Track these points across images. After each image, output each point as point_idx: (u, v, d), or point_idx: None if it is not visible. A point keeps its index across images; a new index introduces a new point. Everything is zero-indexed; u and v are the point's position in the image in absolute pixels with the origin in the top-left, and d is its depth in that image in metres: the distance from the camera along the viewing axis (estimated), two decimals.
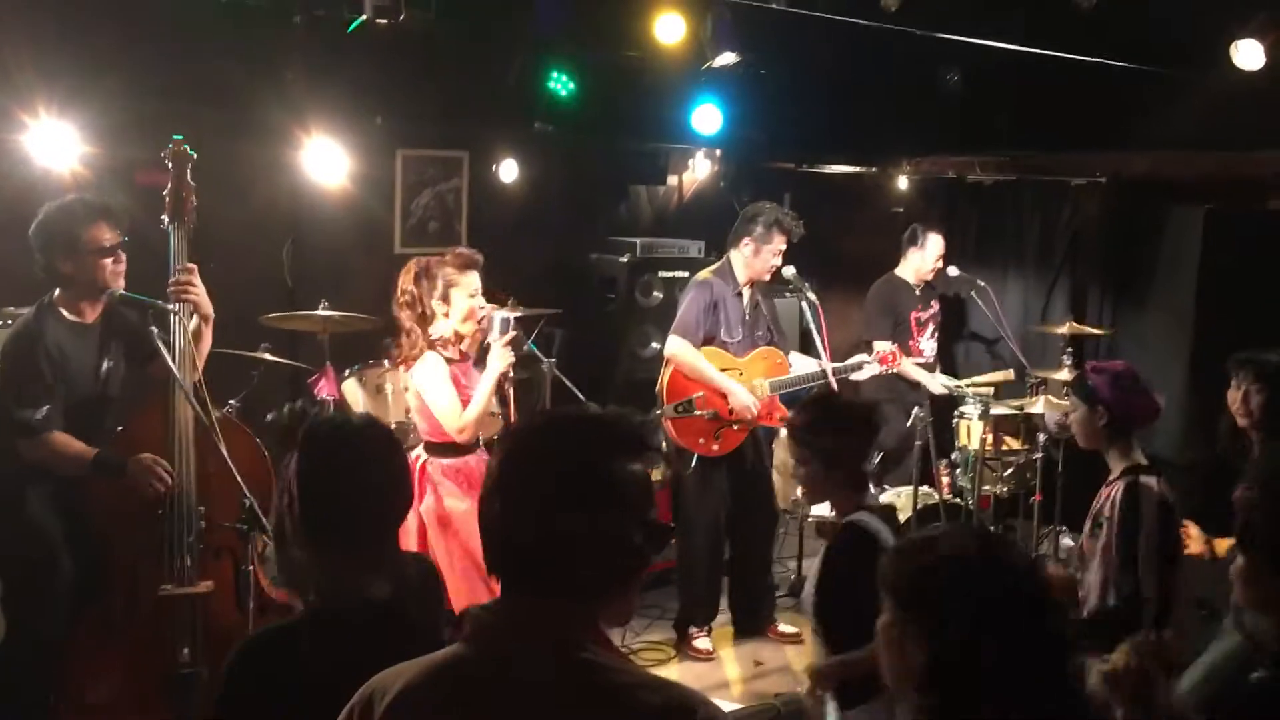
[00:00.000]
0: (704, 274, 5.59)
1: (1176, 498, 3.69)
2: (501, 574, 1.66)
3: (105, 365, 3.97)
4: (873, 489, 5.49)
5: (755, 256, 5.44)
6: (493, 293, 4.60)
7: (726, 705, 4.32)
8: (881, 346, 5.86)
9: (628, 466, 1.66)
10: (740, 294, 5.51)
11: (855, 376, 5.75)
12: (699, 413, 5.32)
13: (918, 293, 6.52)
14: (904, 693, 1.81)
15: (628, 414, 1.76)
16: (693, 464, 5.48)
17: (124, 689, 3.65)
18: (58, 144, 4.51)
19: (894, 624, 1.81)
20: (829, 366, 5.31)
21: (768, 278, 5.53)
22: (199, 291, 3.84)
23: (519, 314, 5.97)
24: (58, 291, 3.89)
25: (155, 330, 3.74)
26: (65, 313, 3.88)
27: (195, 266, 3.84)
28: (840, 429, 3.33)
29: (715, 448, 5.43)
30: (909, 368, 6.23)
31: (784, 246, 5.43)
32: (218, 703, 2.16)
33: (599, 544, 1.61)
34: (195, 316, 3.84)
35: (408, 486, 2.36)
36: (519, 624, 1.62)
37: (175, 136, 3.86)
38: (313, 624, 2.16)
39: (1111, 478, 3.70)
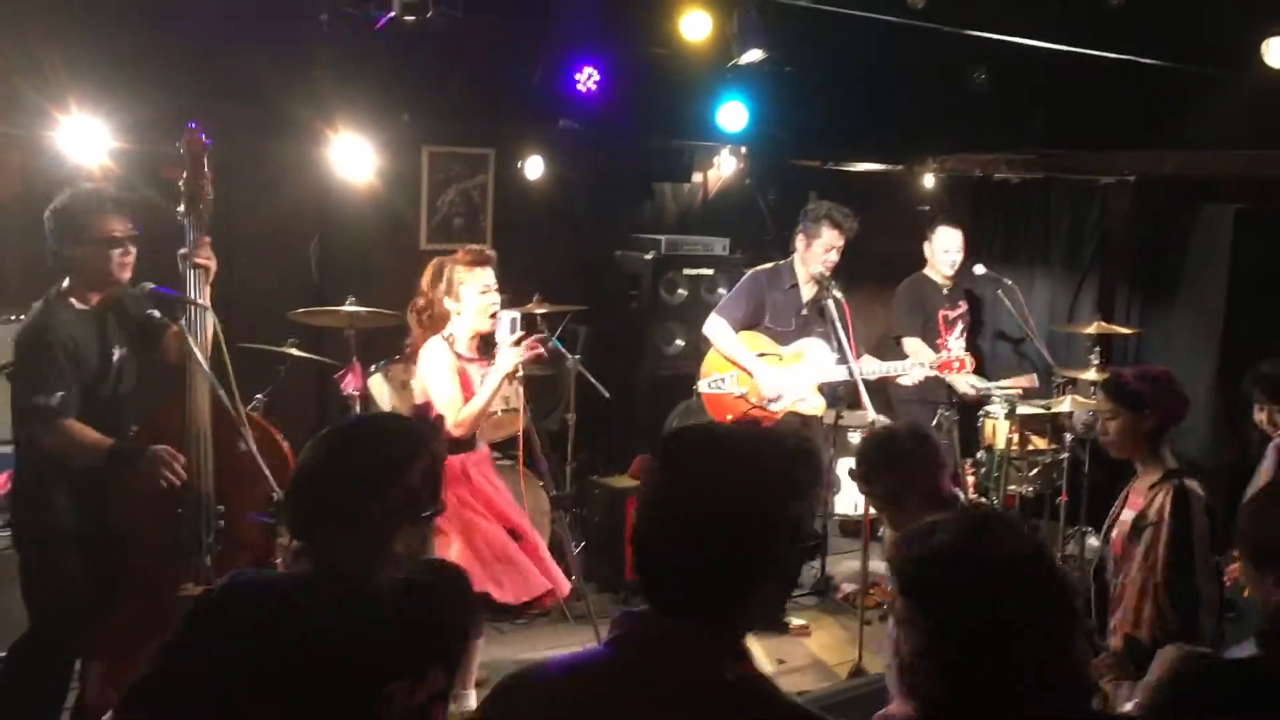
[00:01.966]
0: (761, 267, 5.77)
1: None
2: (654, 595, 1.63)
3: (116, 355, 3.95)
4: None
5: (806, 250, 5.54)
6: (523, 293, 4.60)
7: None
8: (920, 351, 5.86)
9: (805, 495, 1.64)
10: (795, 287, 5.58)
11: (903, 381, 5.76)
12: (730, 389, 5.46)
13: (945, 291, 6.48)
14: (905, 683, 1.77)
15: (799, 437, 1.73)
16: None
17: None
18: (88, 140, 4.54)
19: (899, 613, 1.78)
20: (864, 365, 5.34)
21: (827, 274, 5.53)
22: (212, 260, 3.85)
23: (542, 311, 6.02)
24: (66, 282, 3.88)
25: (155, 314, 3.78)
26: (75, 302, 3.87)
27: (207, 239, 3.85)
28: (895, 466, 3.24)
29: None
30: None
31: (838, 241, 5.48)
32: (183, 619, 2.21)
33: (770, 574, 1.61)
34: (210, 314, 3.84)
35: (407, 482, 2.29)
36: (671, 638, 1.59)
37: (189, 124, 3.81)
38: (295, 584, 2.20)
39: (1151, 482, 3.66)
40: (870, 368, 5.51)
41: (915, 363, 5.72)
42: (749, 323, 5.55)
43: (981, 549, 1.72)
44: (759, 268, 5.72)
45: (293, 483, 2.27)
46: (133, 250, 3.88)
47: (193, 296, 3.77)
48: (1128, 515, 3.74)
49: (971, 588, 1.68)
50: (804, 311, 5.58)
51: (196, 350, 3.67)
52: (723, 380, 5.46)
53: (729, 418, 5.48)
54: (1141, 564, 3.55)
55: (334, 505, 2.20)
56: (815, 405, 5.57)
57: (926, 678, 1.71)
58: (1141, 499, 3.68)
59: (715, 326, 5.56)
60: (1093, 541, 5.77)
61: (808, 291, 5.58)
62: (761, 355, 5.49)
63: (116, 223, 3.84)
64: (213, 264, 3.86)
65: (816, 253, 5.48)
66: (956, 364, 5.64)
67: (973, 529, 1.77)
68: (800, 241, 5.56)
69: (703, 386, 5.53)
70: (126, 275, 3.87)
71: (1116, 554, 3.75)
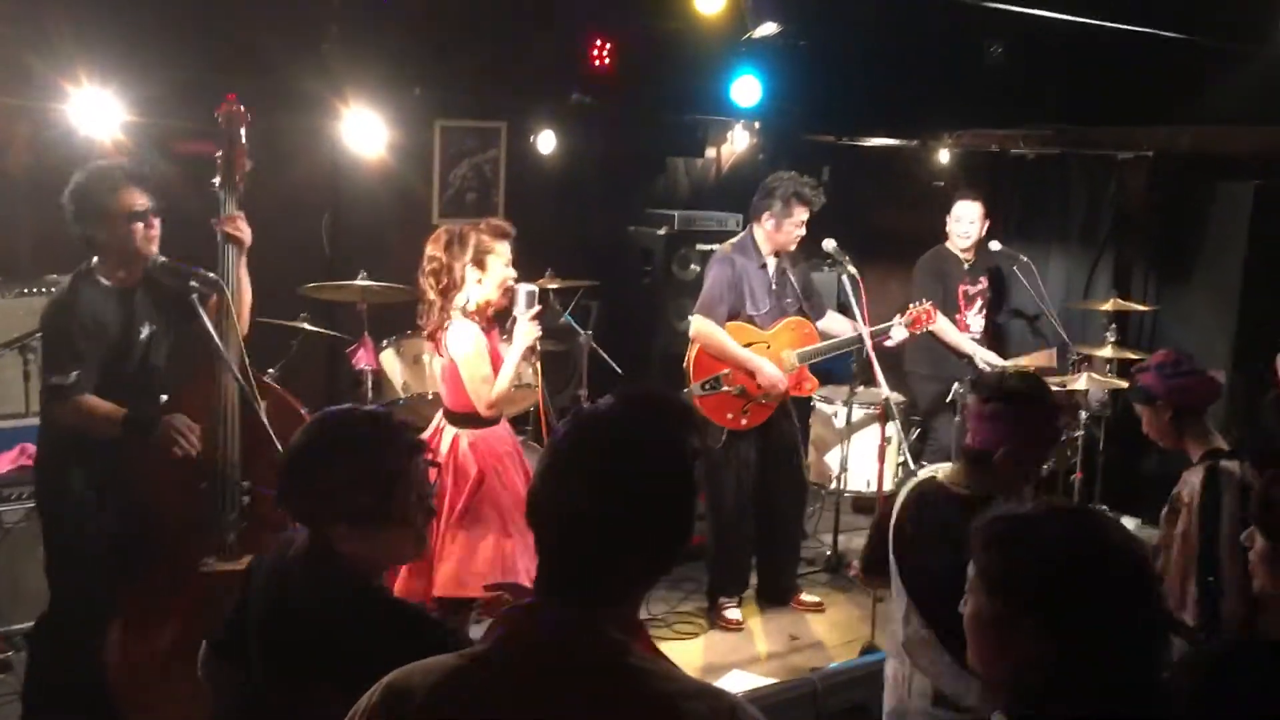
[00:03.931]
0: (724, 248, 5.55)
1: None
2: (547, 567, 1.58)
3: (146, 331, 3.94)
4: (912, 464, 5.50)
5: (777, 231, 5.37)
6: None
7: (762, 680, 4.32)
8: (946, 324, 5.79)
9: (691, 446, 1.61)
10: (765, 265, 5.45)
11: (888, 343, 5.65)
12: (726, 389, 5.32)
13: (966, 266, 6.43)
14: (998, 683, 1.78)
15: (675, 394, 1.72)
16: (723, 438, 5.46)
17: (171, 661, 3.59)
18: (100, 113, 4.52)
19: (996, 615, 1.76)
20: (865, 331, 5.27)
21: (793, 248, 5.46)
22: (246, 231, 3.84)
23: (555, 286, 6.00)
24: (95, 259, 3.87)
25: (197, 290, 3.71)
26: (103, 279, 3.85)
27: (240, 212, 3.84)
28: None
29: (744, 422, 5.43)
30: (952, 334, 6.15)
31: (805, 217, 5.36)
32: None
33: (655, 539, 1.57)
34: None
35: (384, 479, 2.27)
36: (560, 626, 1.54)
37: (228, 95, 3.77)
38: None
39: (1193, 465, 3.60)
40: (864, 334, 5.36)
41: (897, 322, 5.60)
42: (733, 313, 5.38)
43: (1097, 545, 1.73)
44: (724, 252, 5.48)
45: (280, 469, 2.27)
46: (157, 222, 3.85)
47: (226, 268, 3.77)
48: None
49: (1090, 587, 1.69)
50: (774, 287, 5.46)
51: (210, 328, 3.65)
52: (717, 381, 5.30)
53: (729, 416, 5.41)
54: (1181, 547, 3.52)
55: (309, 496, 2.22)
56: (811, 383, 5.56)
57: (1020, 675, 1.72)
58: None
59: (704, 327, 5.35)
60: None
61: (772, 264, 5.46)
62: (749, 345, 5.37)
63: (138, 196, 3.81)
64: (245, 236, 3.85)
65: (788, 230, 5.35)
66: (924, 316, 5.58)
67: (1084, 523, 1.77)
68: (769, 221, 5.36)
69: (696, 390, 5.32)
70: (154, 248, 3.84)
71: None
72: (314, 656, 2.13)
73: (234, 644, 2.26)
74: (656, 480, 1.56)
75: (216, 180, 3.77)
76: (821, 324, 5.62)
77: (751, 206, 5.50)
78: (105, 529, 3.82)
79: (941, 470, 3.17)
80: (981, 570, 1.80)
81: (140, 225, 3.80)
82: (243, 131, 3.77)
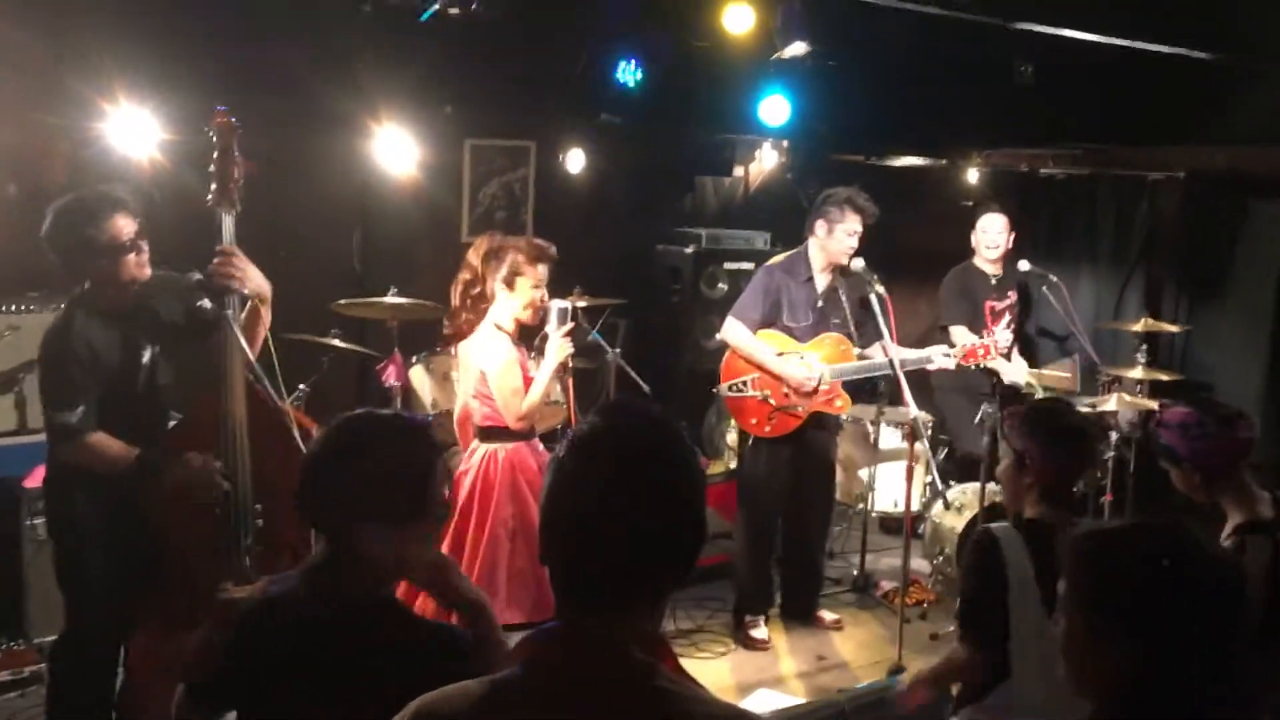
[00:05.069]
0: (773, 260, 5.61)
1: None
2: (565, 580, 1.58)
3: (148, 353, 3.82)
4: (940, 485, 5.47)
5: (829, 236, 5.38)
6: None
7: (790, 699, 4.30)
8: (965, 339, 5.76)
9: (695, 461, 1.64)
10: (811, 280, 5.46)
11: (930, 368, 5.62)
12: (752, 393, 5.38)
13: (993, 282, 6.41)
14: (1091, 698, 1.80)
15: (654, 405, 1.73)
16: (749, 442, 5.52)
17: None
18: (134, 131, 4.56)
19: (1087, 630, 1.79)
20: (897, 356, 5.24)
21: (845, 260, 5.43)
22: (244, 274, 3.56)
23: (583, 304, 6.02)
24: (88, 284, 3.74)
25: (207, 304, 3.55)
26: (97, 304, 3.73)
27: (235, 249, 3.56)
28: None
29: (768, 429, 5.44)
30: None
31: (859, 227, 5.36)
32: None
33: (671, 543, 1.57)
34: (251, 299, 3.65)
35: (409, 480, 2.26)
36: (587, 648, 1.54)
37: (219, 107, 3.58)
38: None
39: (1227, 534, 3.28)
40: (894, 356, 5.36)
41: (943, 350, 5.60)
42: (766, 321, 5.43)
43: (1190, 560, 1.75)
44: (771, 261, 5.59)
45: (301, 472, 2.27)
46: (145, 248, 3.70)
47: (229, 310, 3.53)
48: None
49: (1182, 600, 1.72)
50: (820, 304, 5.47)
51: (242, 340, 3.51)
52: (744, 384, 5.37)
53: (753, 421, 5.44)
54: None
55: (336, 498, 2.20)
56: (843, 401, 5.53)
57: (1108, 688, 1.75)
58: None
59: (733, 330, 5.43)
60: None
61: (822, 281, 5.47)
62: (781, 354, 5.39)
63: (125, 224, 3.64)
64: (243, 279, 3.57)
65: (839, 238, 5.36)
66: (981, 350, 5.54)
67: (1174, 538, 1.79)
68: (821, 228, 5.41)
69: (724, 390, 5.45)
70: (146, 273, 3.71)
71: None
72: (337, 671, 2.12)
73: (217, 688, 2.28)
74: (663, 482, 1.57)
75: (211, 195, 3.54)
76: (867, 350, 5.59)
77: (807, 221, 5.53)
78: (111, 552, 3.74)
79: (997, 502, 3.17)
80: (1072, 586, 1.83)
81: (130, 256, 3.65)
82: (234, 142, 3.55)
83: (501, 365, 4.29)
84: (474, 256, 4.38)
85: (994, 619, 2.97)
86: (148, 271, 3.72)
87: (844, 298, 5.46)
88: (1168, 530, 1.84)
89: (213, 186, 3.55)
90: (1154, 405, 5.71)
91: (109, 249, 3.62)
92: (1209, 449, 3.25)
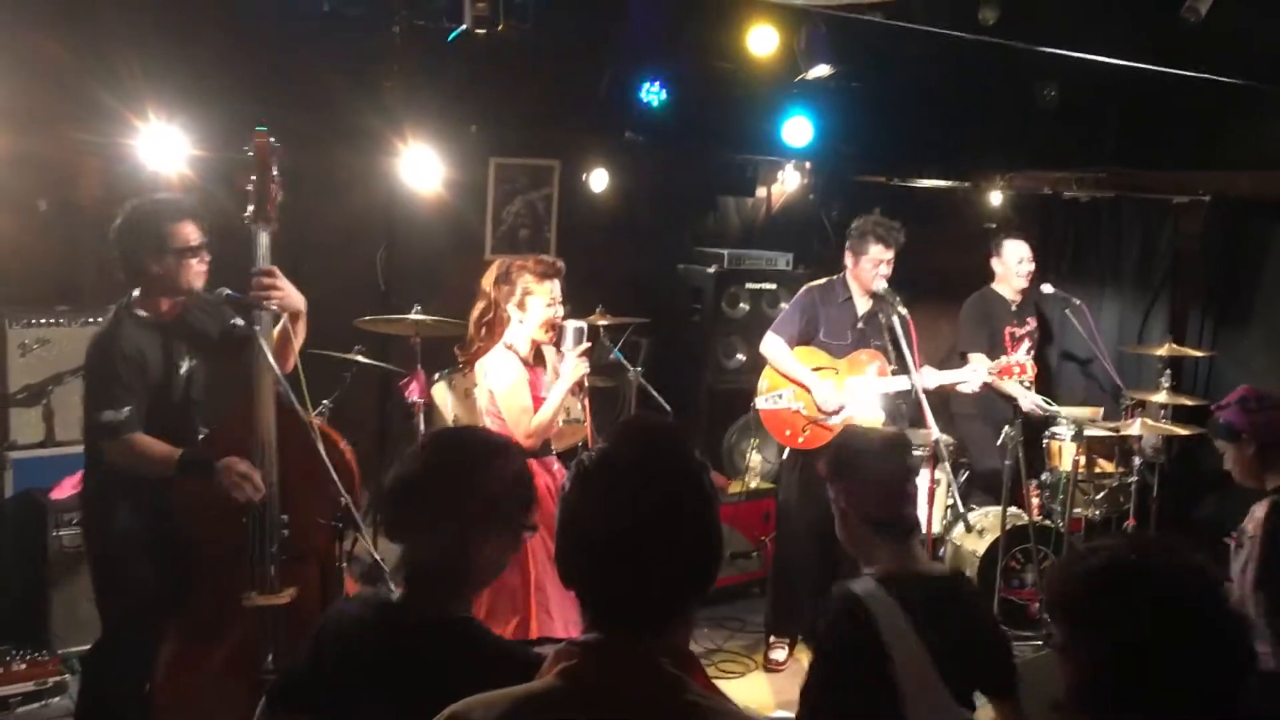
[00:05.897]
0: (817, 280, 5.71)
1: None
2: (590, 599, 1.61)
3: (186, 365, 3.92)
4: (961, 507, 5.46)
5: (856, 267, 5.47)
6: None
7: None
8: (992, 361, 5.77)
9: (704, 475, 1.66)
10: (850, 300, 5.52)
11: (964, 388, 5.66)
12: (789, 405, 5.45)
13: (1013, 308, 6.40)
14: (1073, 711, 1.81)
15: (664, 419, 1.76)
16: (784, 455, 5.58)
17: (215, 693, 3.62)
18: (166, 147, 4.62)
19: (1061, 640, 1.82)
20: (933, 379, 5.31)
21: (878, 287, 5.45)
22: (284, 293, 3.67)
23: (605, 322, 6.04)
24: (136, 293, 3.85)
25: (239, 323, 3.70)
26: (143, 313, 3.83)
27: (274, 269, 3.65)
28: None
29: (801, 441, 5.47)
30: (1005, 383, 6.12)
31: (884, 255, 5.39)
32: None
33: (684, 559, 1.59)
34: (284, 317, 3.72)
35: (491, 491, 2.30)
36: (619, 662, 1.55)
37: (259, 128, 3.65)
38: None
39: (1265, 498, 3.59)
40: (930, 378, 5.42)
41: (973, 368, 5.63)
42: (804, 338, 5.51)
43: (1145, 569, 1.76)
44: (812, 283, 5.68)
45: (389, 485, 2.29)
46: (207, 258, 3.85)
47: (258, 326, 3.61)
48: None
49: (1136, 608, 1.72)
50: (860, 325, 5.52)
51: (270, 355, 3.57)
52: (780, 396, 5.46)
53: (787, 433, 5.47)
54: (1240, 579, 3.48)
55: (420, 508, 2.23)
56: (875, 418, 5.52)
57: (1089, 699, 1.77)
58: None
59: (771, 344, 5.54)
60: None
61: (863, 305, 5.52)
62: (817, 370, 5.45)
63: (193, 230, 3.80)
64: (284, 299, 3.66)
65: (866, 268, 5.42)
66: (1017, 368, 5.55)
67: (1138, 548, 1.82)
68: (848, 259, 5.51)
69: (760, 403, 5.53)
70: (200, 284, 3.84)
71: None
72: (416, 684, 2.13)
73: (299, 695, 2.29)
74: (666, 500, 1.59)
75: (249, 212, 3.61)
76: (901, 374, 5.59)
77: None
78: (152, 561, 3.81)
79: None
80: (1048, 596, 1.88)
81: (193, 260, 3.79)
82: (274, 163, 3.63)
83: (509, 385, 4.29)
84: (486, 283, 4.40)
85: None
86: (201, 283, 3.84)
87: (885, 322, 5.48)
88: (1133, 542, 1.88)
89: (250, 205, 3.60)
90: (1177, 430, 5.69)
91: (178, 250, 3.77)
92: (1265, 420, 3.60)
